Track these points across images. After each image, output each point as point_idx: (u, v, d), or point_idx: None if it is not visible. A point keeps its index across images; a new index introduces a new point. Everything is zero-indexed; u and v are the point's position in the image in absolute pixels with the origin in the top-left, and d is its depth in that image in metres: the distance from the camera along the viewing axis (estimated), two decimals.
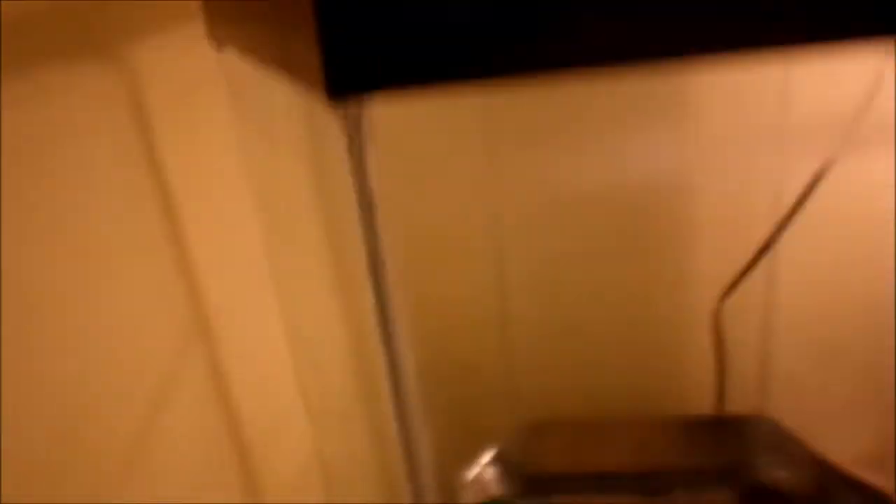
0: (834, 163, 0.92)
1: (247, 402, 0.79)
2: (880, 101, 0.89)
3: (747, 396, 1.10)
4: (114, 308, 0.59)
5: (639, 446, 1.06)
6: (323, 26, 0.39)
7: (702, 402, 1.11)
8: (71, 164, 0.54)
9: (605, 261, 1.11)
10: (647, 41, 0.41)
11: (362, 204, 0.47)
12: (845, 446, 0.98)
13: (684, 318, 1.12)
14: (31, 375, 0.49)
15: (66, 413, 0.53)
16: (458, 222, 1.12)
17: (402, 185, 1.03)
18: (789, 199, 0.97)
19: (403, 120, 0.97)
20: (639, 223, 1.09)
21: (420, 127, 1.03)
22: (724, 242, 1.07)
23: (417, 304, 1.16)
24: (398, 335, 0.54)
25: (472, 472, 1.02)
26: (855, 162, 0.95)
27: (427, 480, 0.59)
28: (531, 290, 1.14)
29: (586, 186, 1.06)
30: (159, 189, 0.64)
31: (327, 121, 0.44)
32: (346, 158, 0.45)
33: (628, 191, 1.05)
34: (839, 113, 0.93)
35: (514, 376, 1.15)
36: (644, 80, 0.94)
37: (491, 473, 1.02)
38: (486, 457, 1.04)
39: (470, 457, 1.04)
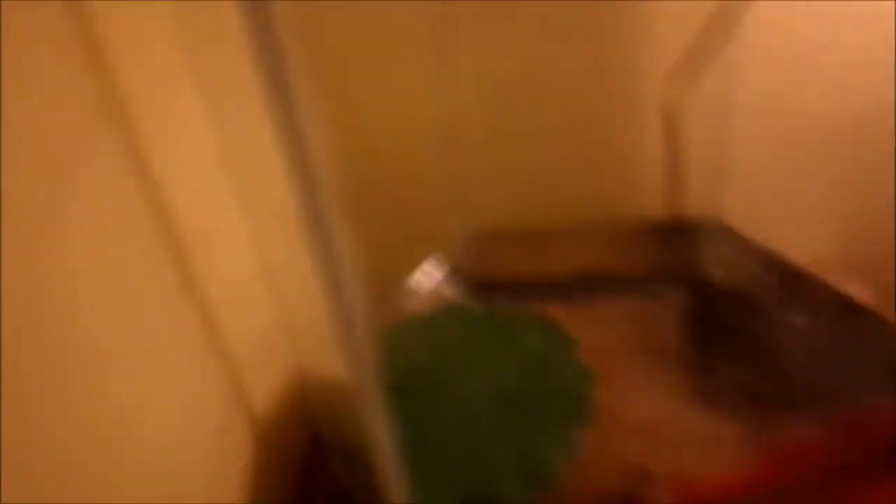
0: None
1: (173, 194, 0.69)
2: None
3: (703, 199, 1.06)
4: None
5: (591, 252, 1.03)
6: None
7: (655, 207, 1.07)
8: None
9: (554, 56, 1.02)
10: None
11: None
12: (808, 251, 0.96)
13: (637, 117, 1.05)
14: None
15: None
16: (399, 16, 1.00)
17: None
18: None
19: None
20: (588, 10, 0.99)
21: None
22: (681, 27, 0.99)
23: (357, 106, 1.06)
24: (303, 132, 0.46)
25: (418, 279, 0.96)
26: None
27: (351, 290, 0.53)
28: (476, 91, 1.04)
29: None
30: None
31: None
32: None
33: None
34: None
35: (460, 182, 1.07)
36: None
37: (437, 280, 0.97)
38: (433, 263, 0.98)
39: (416, 265, 0.99)
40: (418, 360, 0.81)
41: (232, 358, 0.79)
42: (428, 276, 0.97)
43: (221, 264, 0.76)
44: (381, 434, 0.57)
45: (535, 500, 0.70)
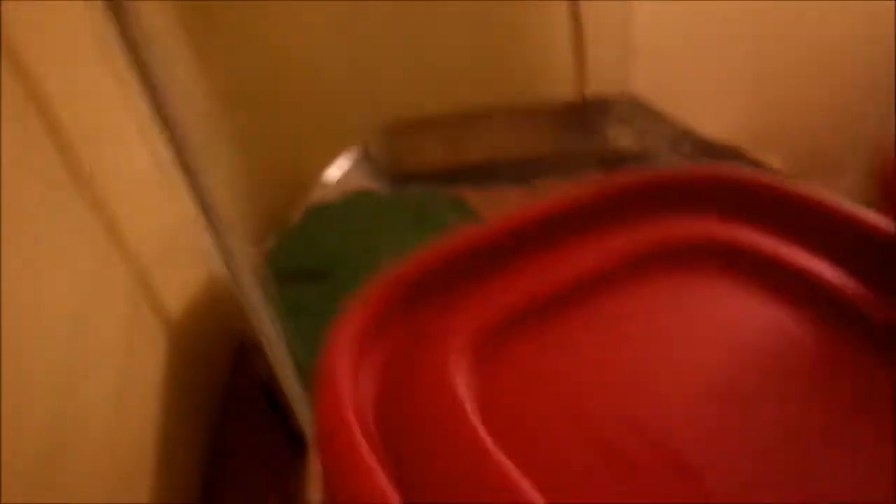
0: None
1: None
2: None
3: (611, 78, 1.06)
4: None
5: (504, 136, 1.02)
6: None
7: (566, 89, 1.07)
8: None
9: None
10: None
11: None
12: (718, 125, 0.97)
13: None
14: None
15: None
16: None
17: None
18: None
19: None
20: None
21: None
22: None
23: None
24: None
25: (331, 172, 0.95)
26: None
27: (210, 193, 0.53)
28: None
29: None
30: None
31: None
32: None
33: None
34: None
35: (369, 75, 1.05)
36: None
37: (354, 172, 0.95)
38: (348, 156, 0.97)
39: (333, 156, 0.97)
40: (328, 243, 0.80)
41: (136, 254, 0.77)
42: (341, 169, 0.96)
43: (112, 161, 0.73)
44: (263, 324, 0.57)
45: None
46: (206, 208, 0.54)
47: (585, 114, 1.03)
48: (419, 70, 1.05)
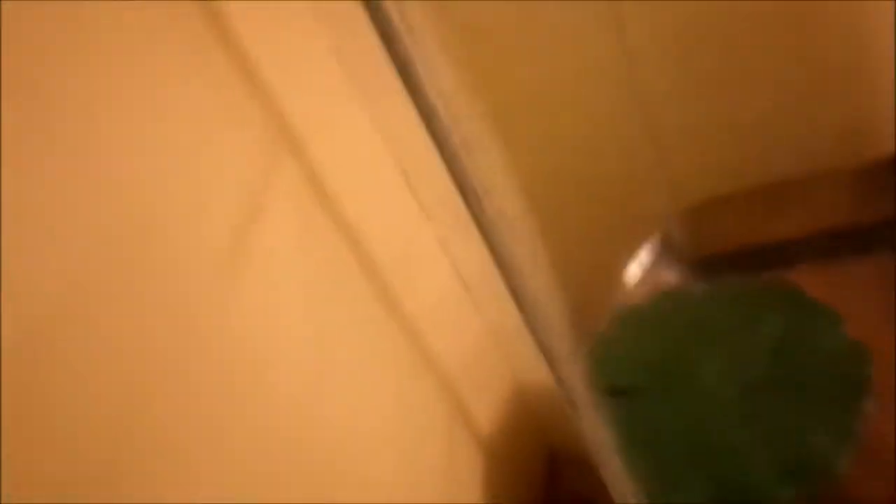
0: None
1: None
2: None
3: None
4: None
5: (826, 204, 0.88)
6: None
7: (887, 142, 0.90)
8: None
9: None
10: None
11: None
12: None
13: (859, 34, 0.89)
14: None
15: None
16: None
17: None
18: None
19: None
20: None
21: None
22: None
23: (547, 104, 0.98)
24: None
25: (634, 269, 0.88)
26: None
27: (543, 300, 0.48)
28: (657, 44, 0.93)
29: None
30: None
31: None
32: None
33: None
34: None
35: (661, 156, 0.97)
36: None
37: (654, 266, 0.88)
38: (647, 250, 0.89)
39: (632, 250, 0.90)
40: (646, 356, 0.73)
41: (446, 375, 0.77)
42: (643, 265, 0.88)
43: (421, 281, 0.74)
44: (599, 440, 0.51)
45: (812, 500, 0.59)
46: (530, 308, 0.50)
47: None
48: (715, 141, 0.95)
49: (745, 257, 0.86)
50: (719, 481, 0.61)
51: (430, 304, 0.77)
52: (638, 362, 0.72)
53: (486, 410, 0.82)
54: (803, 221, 0.86)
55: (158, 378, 0.41)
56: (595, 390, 0.72)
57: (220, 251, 0.48)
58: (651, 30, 0.92)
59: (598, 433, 0.53)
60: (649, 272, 0.87)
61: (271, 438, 0.49)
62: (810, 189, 0.90)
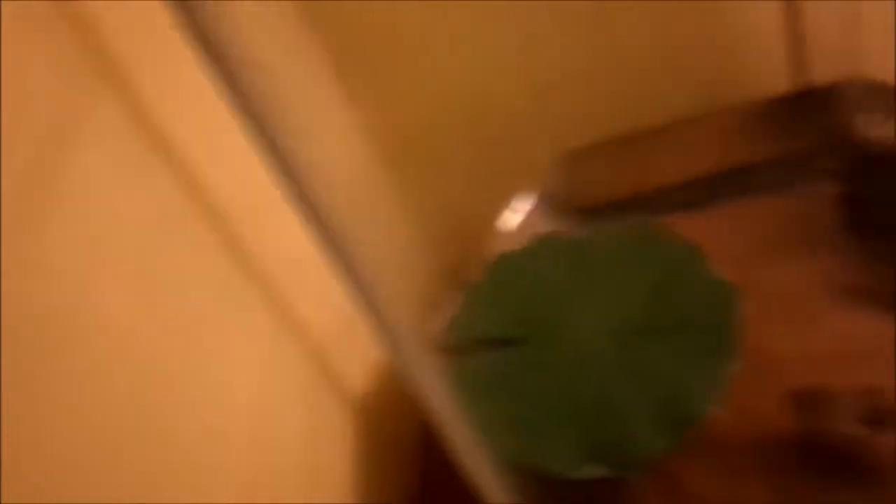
0: None
1: None
2: None
3: (831, 63, 0.87)
4: None
5: (702, 147, 0.87)
6: None
7: (773, 82, 0.89)
8: None
9: None
10: None
11: None
12: None
13: None
14: None
15: None
16: None
17: None
18: None
19: None
20: None
21: None
22: None
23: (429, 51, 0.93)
24: None
25: (506, 216, 0.84)
26: None
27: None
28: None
29: None
30: None
31: None
32: None
33: None
34: None
35: (540, 102, 0.93)
36: None
37: (533, 213, 0.84)
38: (521, 197, 0.85)
39: (510, 199, 0.86)
40: (519, 304, 0.69)
41: (313, 336, 0.71)
42: (521, 214, 0.84)
43: (275, 235, 0.67)
44: (439, 407, 0.47)
45: (678, 449, 0.57)
46: (360, 289, 0.45)
47: (806, 106, 0.85)
48: (597, 88, 0.92)
49: (624, 205, 0.83)
50: (593, 436, 0.58)
51: (291, 261, 0.71)
52: (512, 312, 0.68)
53: (359, 374, 0.77)
54: (680, 167, 0.84)
55: None
56: (463, 347, 0.68)
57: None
58: None
59: (438, 402, 0.48)
60: (527, 221, 0.83)
61: (97, 395, 0.43)
62: (687, 135, 0.88)
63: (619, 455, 0.56)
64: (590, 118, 0.91)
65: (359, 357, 0.77)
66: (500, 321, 0.68)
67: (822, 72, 0.85)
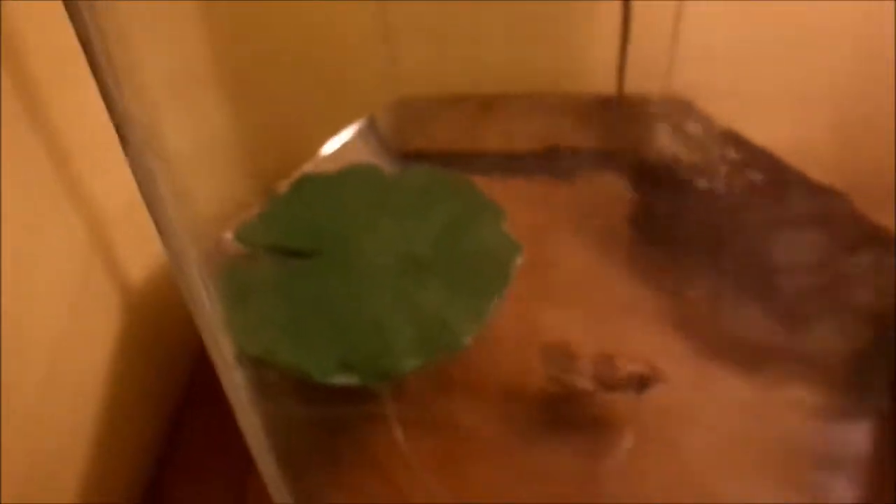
0: None
1: None
2: None
3: (656, 76, 0.95)
4: None
5: (528, 124, 0.92)
6: None
7: (605, 83, 0.96)
8: None
9: None
10: None
11: None
12: (769, 134, 0.86)
13: None
14: None
15: None
16: None
17: None
18: None
19: None
20: None
21: None
22: None
23: None
24: None
25: (334, 143, 0.85)
26: None
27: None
28: None
29: None
30: None
31: None
32: None
33: None
34: None
35: (388, 44, 0.95)
36: None
37: (355, 145, 0.85)
38: (353, 128, 0.87)
39: (337, 128, 0.87)
40: (317, 219, 0.70)
41: (96, 214, 0.68)
42: (342, 141, 0.86)
43: (75, 105, 0.64)
44: (200, 309, 0.47)
45: (429, 369, 0.61)
46: (145, 176, 0.44)
47: (620, 109, 0.92)
48: (446, 44, 0.95)
49: (444, 157, 0.87)
50: (353, 349, 0.61)
51: (91, 136, 0.68)
52: (307, 227, 0.69)
53: (141, 267, 0.75)
54: (504, 136, 0.89)
55: None
56: (253, 251, 0.68)
57: None
58: None
59: (199, 303, 0.48)
60: (346, 150, 0.85)
61: None
62: (517, 109, 0.93)
63: (373, 367, 0.59)
64: (433, 73, 0.94)
65: (147, 248, 0.75)
66: (293, 234, 0.69)
67: (639, 82, 0.93)
